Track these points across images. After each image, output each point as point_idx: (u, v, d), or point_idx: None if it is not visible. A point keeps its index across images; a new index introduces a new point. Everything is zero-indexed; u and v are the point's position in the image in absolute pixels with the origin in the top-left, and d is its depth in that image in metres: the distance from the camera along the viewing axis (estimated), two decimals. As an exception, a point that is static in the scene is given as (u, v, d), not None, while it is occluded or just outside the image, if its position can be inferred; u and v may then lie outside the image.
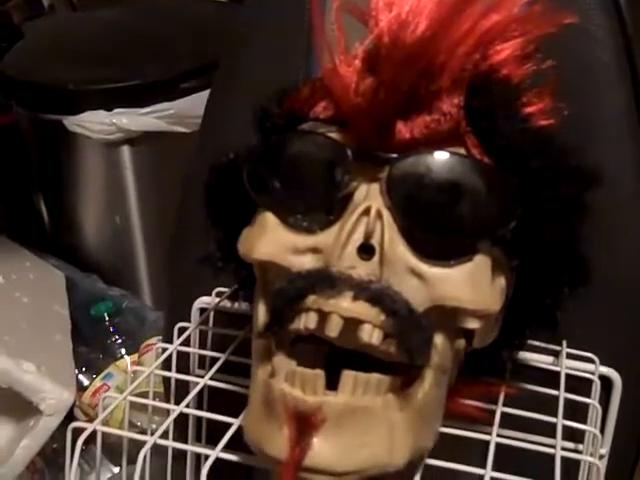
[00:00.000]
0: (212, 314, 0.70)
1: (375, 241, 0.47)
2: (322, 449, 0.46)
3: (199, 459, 0.71)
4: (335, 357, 0.49)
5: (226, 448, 0.53)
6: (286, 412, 0.46)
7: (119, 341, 1.44)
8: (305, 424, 0.46)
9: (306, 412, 0.46)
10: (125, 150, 1.47)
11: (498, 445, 0.54)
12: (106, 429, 0.55)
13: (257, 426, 0.49)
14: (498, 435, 0.55)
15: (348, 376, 0.47)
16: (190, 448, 0.68)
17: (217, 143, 0.76)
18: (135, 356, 1.40)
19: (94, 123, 1.40)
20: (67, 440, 0.55)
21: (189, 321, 0.71)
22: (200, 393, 0.65)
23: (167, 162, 1.47)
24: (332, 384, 0.47)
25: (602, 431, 0.64)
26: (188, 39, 1.59)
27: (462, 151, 0.49)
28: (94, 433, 0.54)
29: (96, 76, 1.44)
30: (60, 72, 1.49)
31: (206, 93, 0.80)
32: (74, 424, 0.55)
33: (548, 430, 0.57)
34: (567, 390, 0.59)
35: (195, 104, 1.35)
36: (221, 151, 0.56)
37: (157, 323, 1.42)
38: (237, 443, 0.52)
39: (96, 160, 1.52)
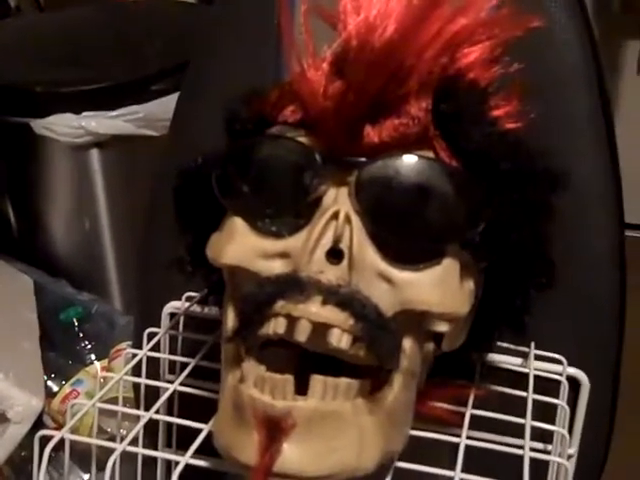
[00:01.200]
0: (182, 319, 0.69)
1: (344, 245, 0.47)
2: (292, 454, 0.46)
3: (170, 465, 0.71)
4: (305, 361, 0.49)
5: (197, 453, 0.52)
6: (255, 417, 0.46)
7: (89, 346, 1.43)
8: (275, 429, 0.46)
9: (275, 417, 0.46)
10: (94, 153, 1.46)
11: (468, 447, 0.54)
12: (74, 437, 0.54)
13: (227, 432, 0.49)
14: (468, 437, 0.55)
15: (317, 381, 0.47)
16: (160, 455, 0.67)
17: (186, 146, 0.76)
18: (105, 361, 1.39)
19: (62, 126, 1.38)
20: (35, 448, 0.54)
21: (159, 326, 0.70)
22: (170, 398, 0.64)
23: (136, 165, 1.46)
24: (302, 389, 0.47)
25: (570, 431, 0.65)
26: (157, 41, 1.58)
27: (431, 155, 0.49)
28: (63, 440, 0.54)
29: (64, 78, 1.44)
30: (27, 74, 1.48)
31: (175, 96, 0.79)
32: (42, 432, 0.55)
33: (517, 431, 0.57)
34: (536, 391, 0.60)
35: (164, 107, 1.35)
36: (190, 154, 0.56)
37: (127, 328, 1.41)
38: (208, 448, 0.51)
39: (64, 164, 1.51)
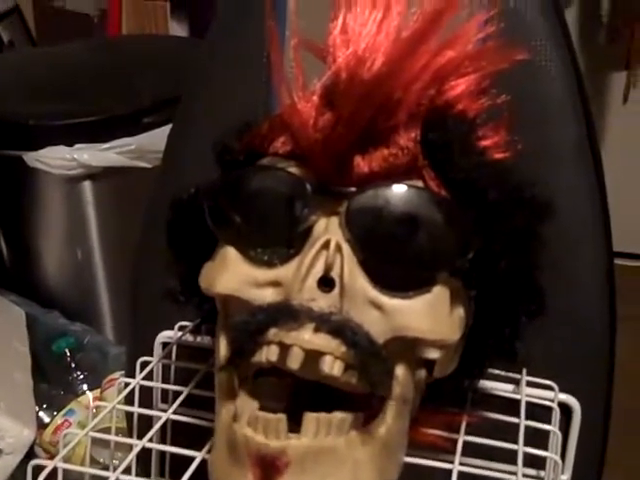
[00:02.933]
0: (175, 348, 0.69)
1: (335, 274, 0.47)
2: None
3: (163, 495, 0.71)
4: (298, 395, 0.50)
5: (190, 482, 0.52)
6: (249, 457, 0.46)
7: (81, 377, 1.42)
8: (269, 468, 0.46)
9: (269, 456, 0.46)
10: (86, 185, 1.46)
11: (461, 473, 0.54)
12: (67, 466, 0.54)
13: (222, 468, 0.49)
14: (461, 463, 0.55)
15: (310, 418, 0.47)
16: (154, 484, 0.68)
17: (178, 178, 0.76)
18: (97, 391, 1.38)
19: (55, 159, 1.39)
20: (28, 478, 0.54)
21: (152, 355, 0.71)
22: (163, 427, 0.64)
23: (128, 197, 1.46)
24: (296, 423, 0.47)
25: (563, 457, 0.65)
26: (149, 74, 1.59)
27: (420, 184, 0.50)
28: (56, 471, 0.54)
29: (56, 111, 1.44)
30: (20, 107, 1.49)
31: (167, 128, 0.80)
32: (35, 461, 0.55)
33: (510, 457, 0.57)
34: (528, 417, 0.60)
35: (156, 139, 1.35)
36: (182, 186, 0.56)
37: (120, 358, 1.41)
38: (201, 477, 0.52)
39: (57, 195, 1.51)
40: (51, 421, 1.33)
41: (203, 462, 0.53)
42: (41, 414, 1.34)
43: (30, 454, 1.19)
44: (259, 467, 0.46)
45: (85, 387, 1.41)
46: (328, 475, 0.47)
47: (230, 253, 0.51)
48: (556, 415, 0.63)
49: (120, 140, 1.40)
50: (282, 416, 0.47)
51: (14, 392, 1.22)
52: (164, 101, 1.41)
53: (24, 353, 1.36)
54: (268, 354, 0.47)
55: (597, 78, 2.17)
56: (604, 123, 2.19)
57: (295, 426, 0.47)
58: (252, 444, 0.46)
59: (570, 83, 0.68)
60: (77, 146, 1.40)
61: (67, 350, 1.45)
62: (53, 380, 1.41)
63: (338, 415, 0.48)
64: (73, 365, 1.43)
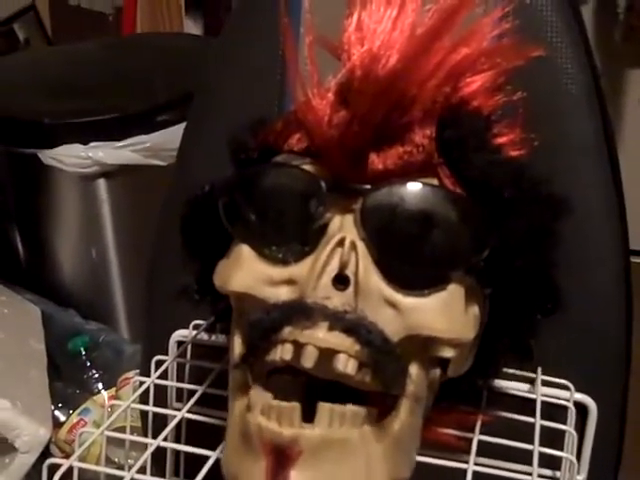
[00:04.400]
0: (189, 347, 0.69)
1: (350, 272, 0.47)
2: None
3: (177, 493, 0.71)
4: (312, 389, 0.49)
5: (205, 481, 0.53)
6: (263, 446, 0.46)
7: (96, 375, 1.43)
8: (282, 457, 0.46)
9: (283, 445, 0.46)
10: (101, 183, 1.47)
11: (475, 473, 0.54)
12: (82, 465, 0.54)
13: (235, 460, 0.49)
14: (475, 463, 0.55)
15: (324, 408, 0.47)
16: (168, 483, 0.68)
17: (192, 176, 0.76)
18: (113, 390, 1.39)
19: (70, 157, 1.39)
20: (43, 476, 0.54)
21: (166, 354, 0.71)
22: (178, 426, 0.64)
23: (143, 195, 1.47)
24: (309, 416, 0.47)
25: (578, 458, 0.64)
26: (164, 72, 1.59)
27: (435, 182, 0.50)
28: (71, 470, 0.54)
29: (72, 110, 1.45)
30: (36, 106, 1.50)
31: (182, 126, 0.80)
32: (50, 460, 0.55)
33: (525, 457, 0.57)
34: (543, 417, 0.60)
35: (171, 137, 1.36)
36: (196, 184, 0.57)
37: (135, 356, 1.41)
38: (216, 476, 0.52)
39: (72, 194, 1.51)
40: (67, 420, 1.33)
41: (218, 461, 0.53)
42: (57, 413, 1.34)
43: (46, 453, 1.19)
44: (272, 456, 0.46)
45: (100, 386, 1.42)
46: (340, 466, 0.47)
47: (244, 251, 0.51)
48: (572, 415, 0.63)
49: (135, 138, 1.40)
50: (296, 404, 0.47)
51: (30, 390, 1.22)
52: (179, 99, 1.41)
53: (40, 351, 1.36)
54: (282, 353, 0.47)
55: (613, 76, 2.16)
56: (620, 121, 2.18)
57: (309, 421, 0.47)
58: (265, 433, 0.46)
59: (586, 80, 0.67)
60: (92, 144, 1.40)
61: (82, 349, 1.45)
62: (68, 379, 1.42)
63: (352, 408, 0.48)
64: (88, 364, 1.44)
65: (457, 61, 0.51)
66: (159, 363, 0.67)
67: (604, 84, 0.68)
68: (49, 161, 1.41)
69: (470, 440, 0.58)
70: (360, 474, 0.48)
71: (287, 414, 0.46)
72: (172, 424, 0.59)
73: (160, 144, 1.40)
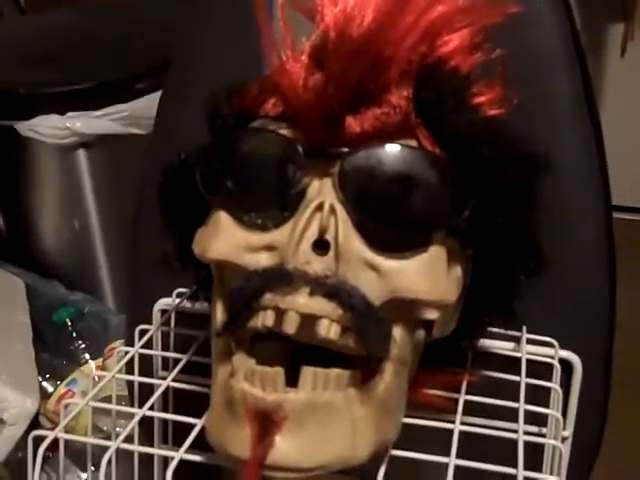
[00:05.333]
0: (173, 315, 0.69)
1: (330, 236, 0.47)
2: (284, 446, 0.46)
3: (166, 461, 0.71)
4: (296, 354, 0.49)
5: (193, 448, 0.52)
6: (247, 411, 0.46)
7: (82, 346, 1.43)
8: (266, 422, 0.46)
9: (267, 410, 0.46)
10: (80, 154, 1.45)
11: (462, 432, 0.54)
12: (68, 436, 0.54)
13: (219, 426, 0.49)
14: (462, 423, 0.55)
15: (307, 372, 0.47)
16: (154, 451, 0.68)
17: (170, 143, 0.75)
18: (99, 361, 1.39)
19: (47, 127, 1.38)
20: (29, 448, 0.54)
21: (151, 323, 0.70)
22: (165, 395, 0.64)
23: (123, 164, 1.45)
24: (293, 381, 0.47)
25: (564, 414, 0.65)
26: (140, 39, 1.58)
27: (413, 143, 0.49)
28: (58, 440, 0.54)
29: (47, 80, 1.43)
30: (10, 77, 1.48)
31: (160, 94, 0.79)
32: (36, 432, 0.55)
33: (511, 415, 0.57)
34: (528, 375, 0.60)
35: (150, 105, 1.33)
36: (174, 151, 0.56)
37: (120, 327, 1.41)
38: (204, 442, 0.52)
39: (51, 165, 1.50)
40: (54, 391, 1.34)
41: (205, 429, 0.53)
42: (44, 384, 1.35)
43: (34, 424, 1.19)
44: (256, 422, 0.46)
45: (87, 356, 1.42)
46: (326, 430, 0.47)
47: (223, 218, 0.50)
48: (557, 372, 0.63)
49: (113, 107, 1.39)
50: (280, 369, 0.47)
51: (16, 363, 1.22)
52: (156, 66, 1.39)
53: (25, 324, 1.36)
54: (264, 319, 0.46)
55: (593, 30, 2.15)
56: (601, 76, 2.17)
57: (293, 385, 0.47)
58: (249, 398, 0.46)
59: (565, 35, 0.67)
60: (69, 114, 1.39)
61: (68, 320, 1.45)
62: (55, 350, 1.42)
63: (336, 371, 0.48)
64: (74, 334, 1.44)
65: (433, 19, 0.50)
66: (143, 332, 0.67)
67: (585, 39, 0.67)
68: (26, 133, 1.40)
69: (456, 400, 0.59)
70: (345, 437, 0.48)
71: (270, 379, 0.46)
72: (157, 393, 0.59)
73: (139, 112, 1.39)
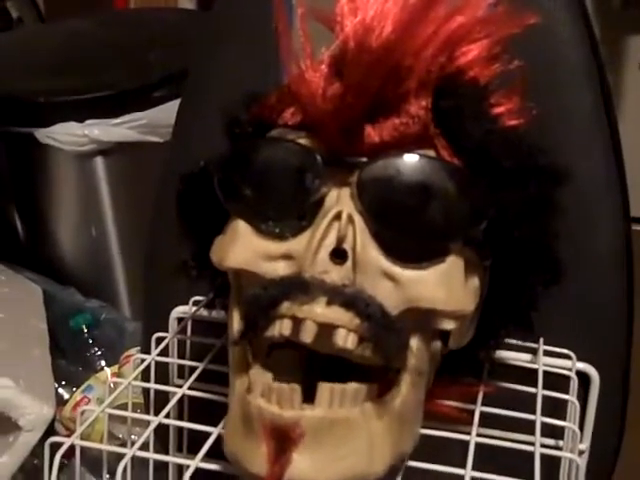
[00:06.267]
0: (190, 323, 0.69)
1: (347, 245, 0.47)
2: (302, 464, 0.46)
3: (181, 469, 0.71)
4: (312, 367, 0.49)
5: (208, 457, 0.52)
6: (264, 428, 0.46)
7: (99, 353, 1.43)
8: (284, 439, 0.46)
9: (284, 427, 0.46)
10: (98, 161, 1.46)
11: (478, 444, 0.54)
12: (84, 443, 0.54)
13: (236, 441, 0.49)
14: (478, 435, 0.55)
15: (324, 388, 0.47)
16: (170, 459, 0.68)
17: (188, 151, 0.76)
18: (115, 367, 1.39)
19: (66, 135, 1.39)
20: (45, 455, 0.54)
21: (167, 331, 0.71)
22: (180, 402, 0.64)
23: (141, 172, 1.45)
24: (310, 395, 0.47)
25: (581, 427, 0.64)
26: (158, 48, 1.58)
27: (432, 153, 0.49)
28: (74, 447, 0.54)
29: (67, 87, 1.44)
30: (30, 84, 1.49)
31: (178, 102, 0.80)
32: (52, 439, 0.55)
33: (528, 428, 0.57)
34: (545, 387, 0.60)
35: (167, 113, 1.34)
36: (193, 159, 0.56)
37: (136, 334, 1.41)
38: (219, 451, 0.52)
39: (69, 172, 1.51)
40: (70, 397, 1.34)
41: (220, 437, 0.53)
42: (60, 391, 1.35)
43: (50, 431, 1.19)
44: (273, 438, 0.46)
45: (103, 363, 1.42)
46: (343, 445, 0.47)
47: (241, 226, 0.50)
48: (574, 384, 0.62)
49: (131, 115, 1.40)
50: (296, 386, 0.46)
51: (33, 369, 1.22)
52: (174, 74, 1.40)
53: (42, 330, 1.36)
54: (281, 328, 0.46)
55: (612, 43, 2.14)
56: (620, 89, 2.16)
57: (310, 400, 0.47)
58: (266, 415, 0.46)
59: (585, 48, 0.66)
60: (88, 122, 1.39)
61: (84, 327, 1.45)
62: (71, 357, 1.42)
63: (352, 385, 0.47)
64: (90, 341, 1.44)
65: (452, 30, 0.50)
66: (159, 340, 0.67)
67: (603, 51, 0.67)
68: (45, 140, 1.40)
69: (472, 412, 0.58)
70: (362, 452, 0.47)
71: (287, 396, 0.46)
72: (173, 401, 0.59)
73: (156, 120, 1.39)
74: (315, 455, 0.46)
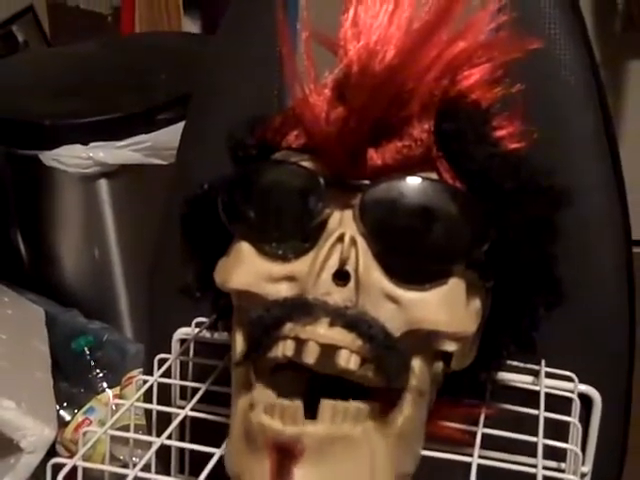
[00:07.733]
0: (192, 344, 0.69)
1: (350, 267, 0.47)
2: (304, 479, 0.46)
3: (182, 491, 0.71)
4: (314, 386, 0.49)
5: (210, 478, 0.52)
6: (266, 444, 0.46)
7: (100, 375, 1.43)
8: (286, 455, 0.46)
9: (286, 443, 0.46)
10: (102, 184, 1.47)
11: (480, 466, 0.54)
12: (86, 464, 0.55)
13: (238, 458, 0.49)
14: (480, 456, 0.55)
15: (327, 405, 0.47)
16: (172, 481, 0.68)
17: (192, 174, 0.76)
18: (117, 389, 1.39)
19: (71, 157, 1.40)
20: (47, 476, 0.54)
21: (169, 352, 0.71)
22: (182, 424, 0.64)
23: (145, 194, 1.47)
24: (312, 413, 0.47)
25: (583, 449, 0.64)
26: (163, 71, 1.59)
27: (434, 176, 0.50)
28: (76, 468, 0.54)
29: (72, 110, 1.45)
30: (36, 107, 1.50)
31: (182, 124, 0.80)
32: (54, 460, 0.55)
33: (530, 450, 0.57)
34: (547, 409, 0.60)
35: (171, 136, 1.35)
36: (196, 182, 0.56)
37: (138, 355, 1.41)
38: (220, 473, 0.52)
39: (74, 194, 1.52)
40: (72, 419, 1.34)
41: (222, 458, 0.53)
42: (62, 412, 1.35)
43: (52, 452, 1.19)
44: (276, 454, 0.46)
45: (105, 385, 1.42)
46: (344, 463, 0.47)
47: (244, 248, 0.51)
48: (576, 406, 0.62)
49: (135, 137, 1.41)
50: (299, 403, 0.47)
51: (35, 391, 1.23)
52: (178, 98, 1.41)
53: (44, 352, 1.37)
54: (284, 349, 0.47)
55: (613, 67, 2.16)
56: (620, 112, 2.17)
57: (312, 418, 0.47)
58: (269, 431, 0.46)
59: (585, 72, 0.67)
60: (93, 144, 1.40)
61: (86, 348, 1.45)
62: (73, 378, 1.42)
63: (354, 404, 0.48)
64: (92, 363, 1.44)
65: (454, 54, 0.50)
66: (162, 361, 0.67)
67: (604, 75, 0.68)
68: (50, 162, 1.41)
69: (474, 433, 0.58)
70: (364, 470, 0.47)
71: (290, 412, 0.46)
72: (176, 422, 0.59)
73: (160, 143, 1.40)
74: (316, 471, 0.46)
